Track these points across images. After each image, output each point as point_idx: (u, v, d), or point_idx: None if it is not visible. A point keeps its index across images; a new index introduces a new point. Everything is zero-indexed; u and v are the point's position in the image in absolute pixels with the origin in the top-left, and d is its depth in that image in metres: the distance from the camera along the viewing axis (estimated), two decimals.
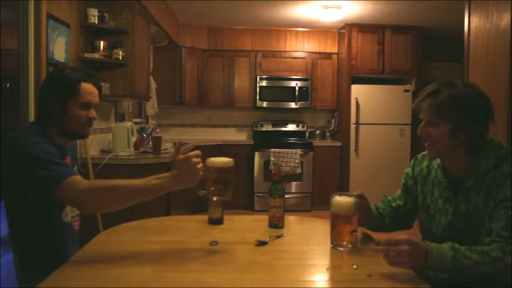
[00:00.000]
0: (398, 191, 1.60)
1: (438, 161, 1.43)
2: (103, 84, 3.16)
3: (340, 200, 1.38)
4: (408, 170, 1.57)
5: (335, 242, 1.39)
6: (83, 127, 1.54)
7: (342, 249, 1.37)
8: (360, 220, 1.43)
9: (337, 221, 1.38)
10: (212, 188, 1.35)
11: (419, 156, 1.55)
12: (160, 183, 1.31)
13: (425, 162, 1.49)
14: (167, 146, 3.80)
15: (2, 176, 1.34)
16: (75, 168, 1.67)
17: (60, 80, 1.52)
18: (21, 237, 1.37)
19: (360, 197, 1.43)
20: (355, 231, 1.38)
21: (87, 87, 1.52)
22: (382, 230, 1.58)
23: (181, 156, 1.31)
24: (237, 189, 5.04)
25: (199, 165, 1.31)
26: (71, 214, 1.54)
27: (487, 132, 1.33)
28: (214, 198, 1.38)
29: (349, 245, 1.36)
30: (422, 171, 1.50)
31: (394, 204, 1.58)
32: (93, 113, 1.55)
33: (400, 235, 1.18)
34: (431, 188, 1.44)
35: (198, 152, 1.33)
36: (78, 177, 1.36)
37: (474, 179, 1.31)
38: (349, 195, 1.39)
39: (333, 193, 1.40)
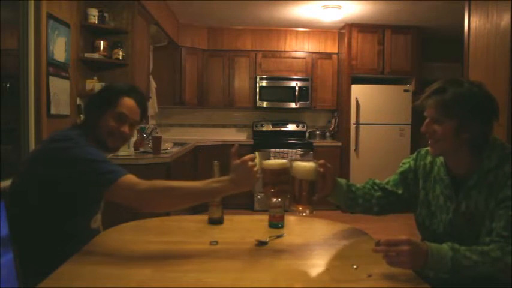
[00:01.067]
0: (394, 177, 1.57)
1: (441, 158, 1.43)
2: (103, 84, 3.16)
3: (300, 164, 1.36)
4: (410, 161, 1.54)
5: (291, 207, 1.37)
6: (112, 139, 1.50)
7: (298, 214, 1.36)
8: (322, 190, 1.42)
9: (296, 185, 1.36)
10: (272, 190, 1.37)
11: (423, 151, 1.53)
12: (220, 187, 1.33)
13: (429, 158, 1.48)
14: (167, 146, 3.80)
15: (38, 179, 1.35)
16: None
17: (106, 89, 1.57)
18: (44, 241, 1.38)
19: (323, 166, 1.41)
20: (313, 196, 1.36)
21: (128, 101, 1.51)
22: (355, 209, 1.55)
23: (237, 161, 1.34)
24: None
25: (256, 168, 1.34)
26: (99, 223, 1.56)
27: (491, 131, 1.33)
28: (274, 200, 1.42)
29: (306, 211, 1.34)
30: (425, 166, 1.48)
31: (389, 188, 1.54)
32: (125, 128, 1.51)
33: (400, 235, 1.18)
34: (433, 185, 1.44)
35: (252, 155, 1.36)
36: (134, 177, 1.36)
37: (476, 178, 1.31)
38: (309, 161, 1.37)
39: (293, 158, 1.40)
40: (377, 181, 1.59)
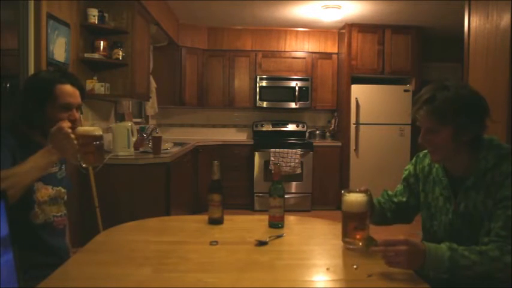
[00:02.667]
0: (399, 187, 1.60)
1: None
2: (103, 84, 3.16)
3: (353, 198, 1.38)
4: (410, 167, 1.57)
5: (347, 240, 1.38)
6: None
7: (354, 247, 1.35)
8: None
9: (350, 219, 1.38)
10: (79, 155, 1.41)
11: (421, 154, 1.54)
12: (40, 162, 1.31)
13: (427, 160, 1.49)
14: (167, 146, 3.80)
15: None
16: (63, 167, 1.64)
17: (36, 84, 1.51)
18: None
19: (366, 192, 1.42)
20: (367, 228, 1.38)
21: (65, 88, 1.49)
22: (384, 224, 1.58)
23: (54, 128, 1.34)
24: (237, 189, 5.08)
25: (73, 136, 1.36)
26: (56, 213, 1.53)
27: (485, 129, 1.33)
28: (84, 165, 1.44)
29: (360, 243, 1.33)
30: (424, 169, 1.49)
31: (395, 200, 1.58)
32: (74, 114, 1.51)
33: (398, 236, 1.18)
34: (432, 187, 1.45)
35: (67, 123, 1.39)
36: None
37: (473, 178, 1.31)
38: (359, 192, 1.39)
39: (342, 190, 1.40)
40: (390, 192, 1.62)
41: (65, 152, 1.35)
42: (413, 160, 1.57)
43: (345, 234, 1.40)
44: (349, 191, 1.41)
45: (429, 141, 1.33)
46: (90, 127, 1.48)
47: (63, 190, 1.59)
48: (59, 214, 1.55)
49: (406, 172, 1.58)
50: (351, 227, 1.38)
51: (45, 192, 1.50)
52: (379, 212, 1.54)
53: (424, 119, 1.32)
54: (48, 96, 1.46)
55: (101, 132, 1.46)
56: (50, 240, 1.51)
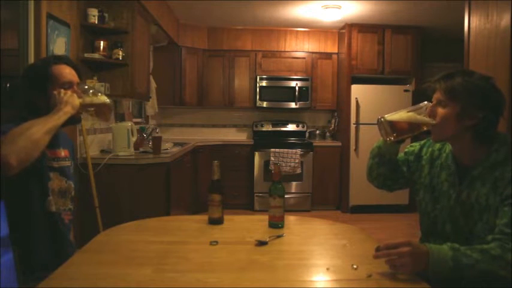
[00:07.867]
0: (401, 155, 1.62)
1: (450, 146, 1.44)
2: (103, 84, 3.16)
3: (419, 116, 1.43)
4: (416, 146, 1.58)
5: (384, 127, 1.48)
6: None
7: (382, 133, 1.48)
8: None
9: (401, 124, 1.45)
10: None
11: None
12: (56, 118, 1.39)
13: (438, 145, 1.51)
14: (167, 146, 3.80)
15: None
16: (72, 163, 1.66)
17: (33, 71, 1.55)
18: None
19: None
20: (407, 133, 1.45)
21: (60, 68, 1.53)
22: (379, 169, 1.61)
23: (54, 94, 1.46)
24: (237, 189, 5.09)
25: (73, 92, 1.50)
26: (62, 207, 1.54)
27: (496, 123, 1.34)
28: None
29: (387, 138, 1.45)
30: (433, 153, 1.51)
31: (398, 162, 1.60)
32: (76, 91, 1.54)
33: (399, 238, 1.19)
34: (439, 171, 1.45)
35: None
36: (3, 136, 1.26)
37: (481, 169, 1.32)
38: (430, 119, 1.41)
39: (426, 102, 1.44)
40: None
41: (72, 104, 1.43)
42: (423, 142, 1.58)
43: (389, 123, 1.45)
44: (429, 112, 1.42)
45: (435, 113, 1.37)
46: (88, 97, 1.55)
47: (72, 185, 1.61)
48: (63, 208, 1.57)
49: (411, 149, 1.59)
50: (397, 127, 1.44)
51: (57, 183, 1.53)
52: (391, 159, 1.57)
53: (438, 91, 1.38)
54: (47, 78, 1.50)
55: (98, 100, 1.56)
56: (63, 230, 1.55)
